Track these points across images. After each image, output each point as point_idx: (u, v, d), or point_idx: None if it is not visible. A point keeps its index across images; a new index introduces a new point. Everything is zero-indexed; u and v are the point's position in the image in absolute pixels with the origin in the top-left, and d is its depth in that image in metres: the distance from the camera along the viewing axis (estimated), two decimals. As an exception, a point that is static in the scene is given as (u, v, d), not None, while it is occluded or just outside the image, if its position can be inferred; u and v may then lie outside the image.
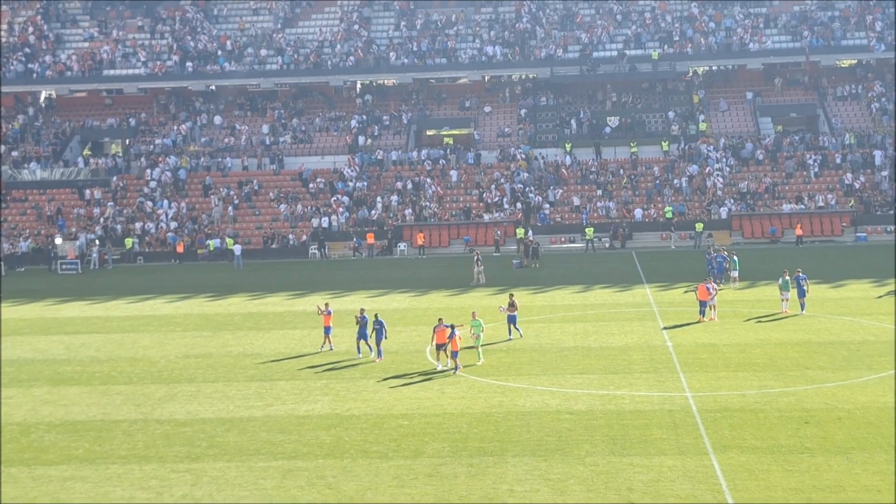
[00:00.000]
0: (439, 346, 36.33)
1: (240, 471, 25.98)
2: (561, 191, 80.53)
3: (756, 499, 22.87)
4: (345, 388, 34.47)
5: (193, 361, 39.93)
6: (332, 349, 40.22)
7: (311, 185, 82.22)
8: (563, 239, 76.30)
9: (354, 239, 75.31)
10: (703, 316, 44.53)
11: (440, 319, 37.30)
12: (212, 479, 25.47)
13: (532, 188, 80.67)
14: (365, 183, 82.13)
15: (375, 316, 38.92)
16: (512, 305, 41.74)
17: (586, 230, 73.89)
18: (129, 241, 76.66)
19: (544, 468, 25.28)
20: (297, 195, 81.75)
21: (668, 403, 31.18)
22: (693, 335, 41.72)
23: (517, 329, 41.72)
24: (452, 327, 36.05)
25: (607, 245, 74.75)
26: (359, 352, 38.62)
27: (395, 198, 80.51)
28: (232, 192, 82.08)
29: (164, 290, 60.50)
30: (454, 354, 35.72)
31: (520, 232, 73.71)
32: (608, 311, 48.31)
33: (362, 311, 39.35)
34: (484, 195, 79.95)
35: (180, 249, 75.69)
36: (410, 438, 28.35)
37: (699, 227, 74.01)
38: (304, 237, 76.95)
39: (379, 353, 38.10)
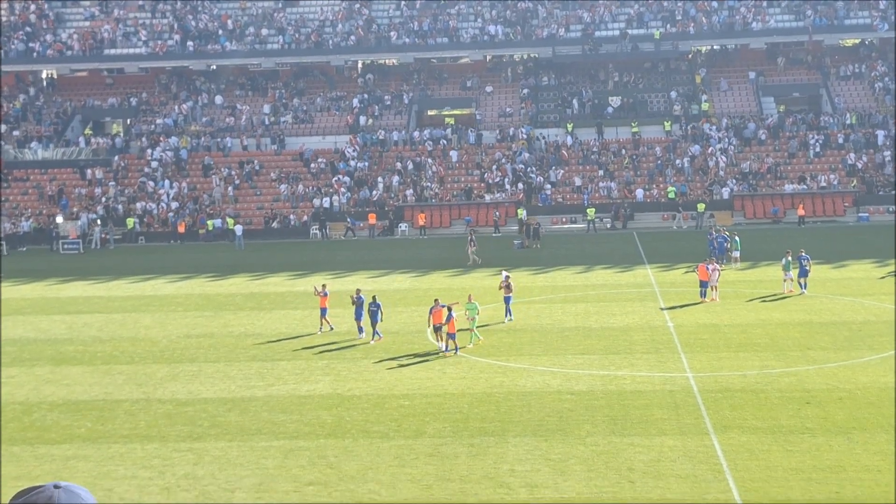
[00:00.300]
0: (437, 328, 36.32)
1: (241, 450, 26.05)
2: (562, 171, 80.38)
3: (756, 479, 22.92)
4: (346, 369, 34.52)
5: (195, 341, 40.00)
6: (332, 329, 40.24)
7: (312, 166, 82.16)
8: (564, 219, 76.23)
9: (348, 219, 75.23)
10: (705, 296, 44.53)
11: (436, 300, 37.28)
12: (213, 458, 25.55)
13: (533, 168, 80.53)
14: (366, 163, 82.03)
15: (374, 298, 38.90)
16: (508, 287, 41.54)
17: (588, 210, 73.81)
18: (130, 221, 76.64)
19: (545, 448, 25.34)
20: (298, 175, 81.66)
21: (669, 384, 31.22)
22: (694, 315, 41.74)
23: (509, 312, 41.54)
24: (450, 308, 36.00)
25: (609, 225, 74.68)
26: (360, 332, 38.65)
27: (396, 178, 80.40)
28: (233, 172, 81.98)
29: (166, 270, 60.55)
30: (451, 336, 35.73)
31: (521, 212, 73.64)
32: (609, 292, 48.32)
33: (358, 291, 39.33)
34: (485, 175, 79.86)
35: (181, 229, 75.70)
36: (411, 418, 28.41)
37: (701, 207, 73.91)
38: (306, 217, 76.92)
39: (375, 334, 38.03)
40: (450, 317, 35.51)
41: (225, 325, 43.05)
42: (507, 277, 42.43)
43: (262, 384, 32.88)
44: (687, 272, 51.82)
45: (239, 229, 72.07)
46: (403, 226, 76.22)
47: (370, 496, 22.81)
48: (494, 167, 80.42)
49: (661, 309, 43.40)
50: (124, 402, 31.13)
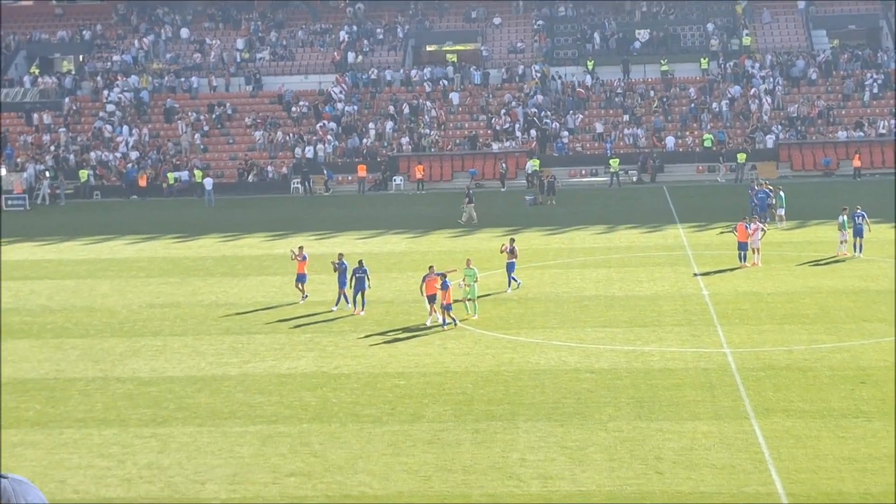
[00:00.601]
0: (430, 298, 36.24)
1: (213, 436, 26.16)
2: (581, 116, 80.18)
3: (803, 469, 23.01)
4: (332, 343, 34.60)
5: (159, 312, 40.03)
6: (304, 298, 39.95)
7: (293, 109, 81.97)
8: (583, 172, 76.15)
9: (325, 171, 75.06)
10: (744, 260, 44.53)
11: (431, 267, 37.27)
12: (181, 445, 25.66)
13: (548, 113, 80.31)
14: (355, 107, 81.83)
15: (360, 262, 38.84)
16: (512, 252, 41.34)
17: (610, 161, 73.73)
18: (83, 174, 76.59)
19: (561, 434, 25.44)
20: (277, 120, 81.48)
21: (703, 361, 31.29)
22: (733, 282, 41.77)
23: (514, 280, 41.45)
24: (444, 276, 35.93)
25: (635, 179, 74.61)
26: (347, 302, 38.63)
27: (389, 124, 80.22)
28: (201, 118, 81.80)
29: (125, 229, 60.50)
30: (447, 308, 35.69)
31: (534, 163, 73.57)
32: (635, 255, 48.33)
33: (340, 256, 39.22)
34: (492, 121, 79.67)
35: (143, 183, 75.65)
36: (408, 400, 28.50)
37: (741, 157, 73.80)
38: (286, 169, 76.85)
39: (361, 305, 37.96)
40: (445, 285, 35.45)
41: (193, 294, 43.09)
42: (512, 241, 42.39)
43: (236, 361, 32.96)
44: (724, 232, 51.77)
45: (209, 183, 72.04)
46: (398, 179, 76.12)
47: (360, 489, 22.93)
48: (503, 111, 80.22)
49: (695, 275, 43.44)
50: (78, 380, 31.22)
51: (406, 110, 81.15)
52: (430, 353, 33.18)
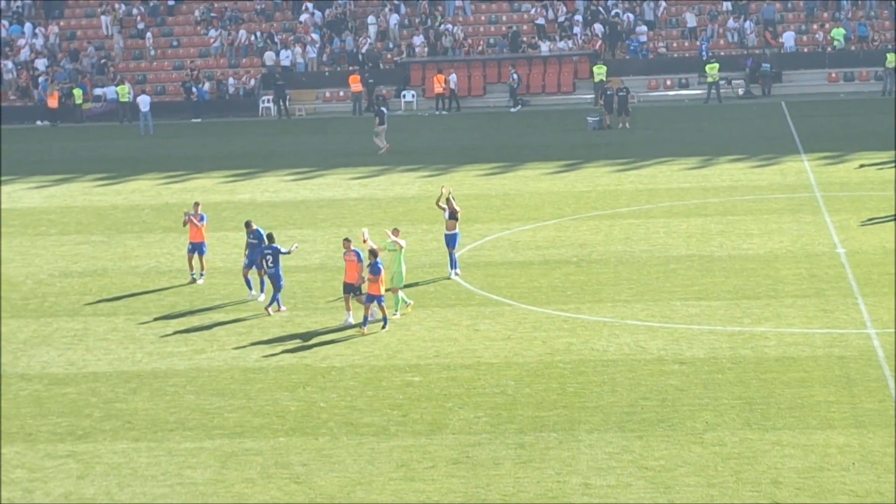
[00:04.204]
0: (348, 289, 34.54)
1: (154, 455, 26.19)
2: (665, 3, 79.68)
3: (979, 497, 22.93)
4: (319, 324, 34.62)
5: (78, 282, 40.02)
6: (199, 278, 39.17)
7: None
8: (668, 82, 75.96)
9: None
10: (897, 205, 44.46)
11: (346, 241, 35.03)
12: (110, 467, 25.69)
13: (619, 1, 79.87)
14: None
15: (268, 237, 36.44)
16: (453, 216, 38.57)
17: (707, 68, 73.34)
18: (-30, 91, 76.91)
19: (639, 450, 25.41)
20: (239, 14, 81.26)
21: (838, 346, 31.15)
22: (879, 236, 41.58)
23: (453, 262, 39.00)
24: (374, 256, 33.66)
25: (741, 91, 74.36)
26: (249, 287, 37.12)
27: (395, 17, 79.90)
28: (134, 10, 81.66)
29: (31, 168, 60.53)
30: (375, 299, 33.63)
31: (598, 71, 73.25)
32: (742, 199, 48.15)
33: (249, 224, 37.70)
34: (540, 11, 79.25)
35: (53, 103, 75.63)
36: (424, 404, 28.47)
37: (891, 59, 73.31)
38: (253, 82, 76.73)
39: (273, 299, 35.87)
40: (377, 269, 33.46)
41: (125, 257, 43.08)
42: (450, 192, 39.34)
43: (186, 350, 32.97)
44: (863, 166, 51.44)
45: (144, 102, 71.91)
46: (409, 94, 75.94)
47: (359, 527, 23.02)
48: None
49: (828, 226, 43.22)
50: (-34, 379, 31.36)
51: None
52: (455, 337, 33.13)
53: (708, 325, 33.24)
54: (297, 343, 33.21)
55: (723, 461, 24.78)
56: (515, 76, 74.10)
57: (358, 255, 34.35)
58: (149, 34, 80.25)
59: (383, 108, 63.71)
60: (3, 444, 27.13)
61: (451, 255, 39.17)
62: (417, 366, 31.03)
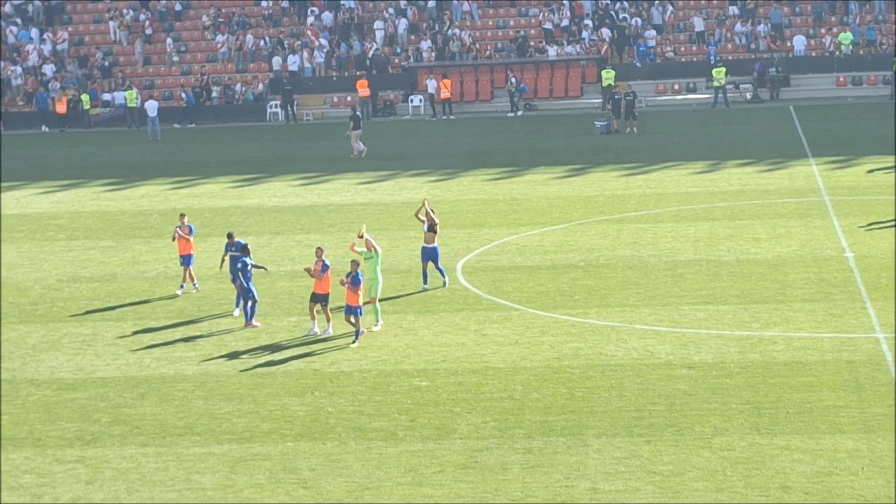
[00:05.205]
0: (316, 298, 34.07)
1: (163, 460, 26.21)
2: (672, 8, 79.62)
3: None
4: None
5: (86, 288, 40.08)
6: (195, 287, 39.04)
7: (266, 3, 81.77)
8: (676, 86, 75.87)
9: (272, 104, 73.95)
10: (906, 209, 44.41)
11: (319, 250, 34.72)
12: (118, 473, 25.71)
13: (627, 4, 79.82)
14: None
15: (244, 248, 35.84)
16: (431, 228, 37.97)
17: (714, 72, 73.25)
18: (-24, 96, 76.93)
19: (647, 454, 25.42)
20: (247, 19, 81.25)
21: (847, 350, 31.13)
22: (888, 240, 41.55)
23: (439, 270, 38.21)
24: (356, 268, 33.27)
25: (749, 95, 74.25)
26: (236, 305, 36.40)
27: (402, 21, 79.90)
28: (142, 16, 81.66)
29: (38, 174, 60.61)
30: (352, 311, 33.17)
31: (606, 76, 73.23)
32: (750, 204, 48.13)
33: (231, 236, 37.23)
34: (547, 16, 79.31)
35: (61, 109, 75.64)
36: (432, 409, 28.49)
37: (899, 64, 73.34)
38: (260, 87, 76.74)
39: (248, 316, 35.39)
40: (357, 280, 32.98)
41: (133, 262, 43.16)
42: (426, 206, 38.67)
43: (194, 355, 32.99)
44: (873, 171, 51.40)
45: (152, 107, 71.93)
46: (416, 99, 75.93)
47: (368, 532, 23.04)
48: (563, 1, 79.81)
49: (836, 230, 43.23)
50: (-25, 384, 31.41)
51: (429, 2, 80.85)
52: (462, 342, 33.13)
53: (716, 330, 33.24)
54: (305, 348, 33.24)
55: (731, 466, 24.77)
56: (513, 80, 73.87)
57: (325, 265, 33.91)
58: (168, 39, 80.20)
59: (358, 114, 63.97)
60: (13, 450, 27.16)
61: (424, 269, 38.11)
62: (425, 370, 31.06)
